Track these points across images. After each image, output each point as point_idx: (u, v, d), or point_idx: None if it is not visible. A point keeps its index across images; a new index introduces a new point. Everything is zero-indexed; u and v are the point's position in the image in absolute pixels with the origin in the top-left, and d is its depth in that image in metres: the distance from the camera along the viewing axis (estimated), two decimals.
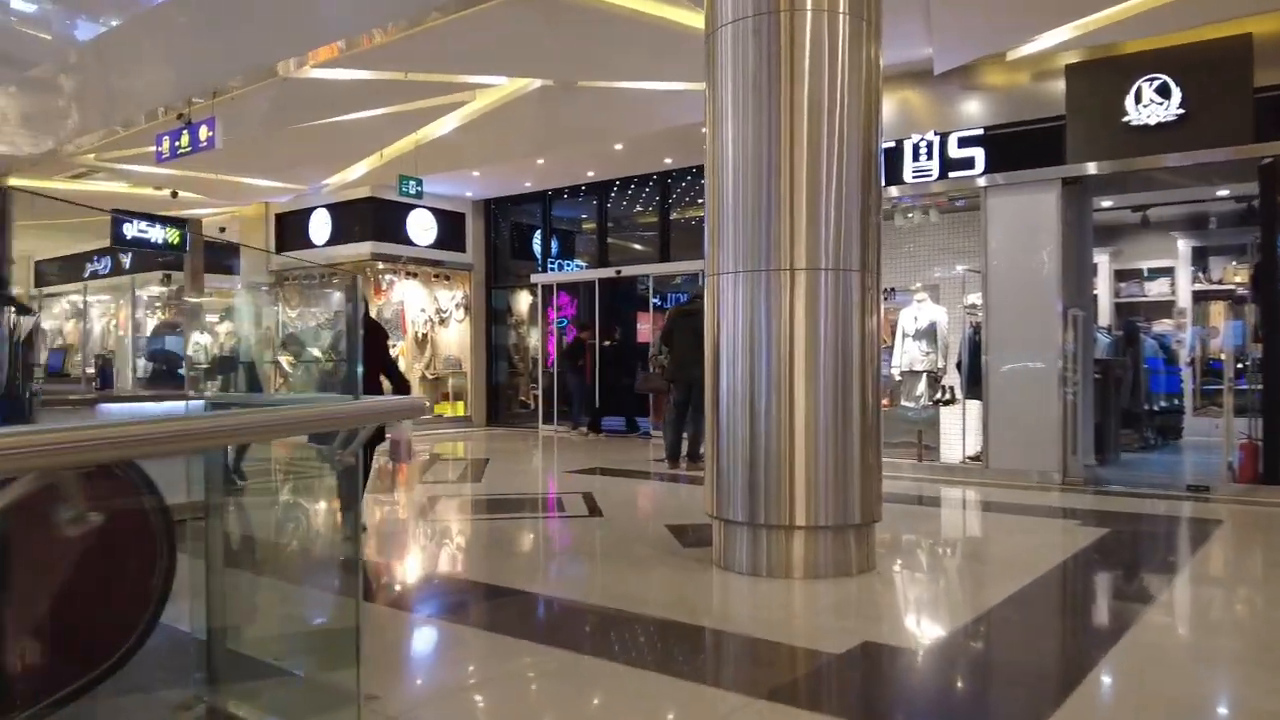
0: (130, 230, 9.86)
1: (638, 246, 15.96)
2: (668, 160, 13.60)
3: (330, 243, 16.27)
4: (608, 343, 14.84)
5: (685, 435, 10.08)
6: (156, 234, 10.16)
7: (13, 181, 14.15)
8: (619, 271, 14.86)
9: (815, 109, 5.03)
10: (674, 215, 14.56)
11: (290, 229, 17.16)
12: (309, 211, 16.62)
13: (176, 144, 10.18)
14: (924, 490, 8.57)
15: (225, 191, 15.84)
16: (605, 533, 6.83)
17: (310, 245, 16.58)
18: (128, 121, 10.80)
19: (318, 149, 12.68)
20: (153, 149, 10.36)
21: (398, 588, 5.32)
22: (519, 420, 16.71)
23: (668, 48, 8.32)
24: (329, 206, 16.26)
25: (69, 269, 22.00)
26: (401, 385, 6.66)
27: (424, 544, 6.50)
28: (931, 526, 7.27)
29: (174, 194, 16.06)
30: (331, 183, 15.11)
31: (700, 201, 12.38)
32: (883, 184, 5.49)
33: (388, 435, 6.48)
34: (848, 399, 5.06)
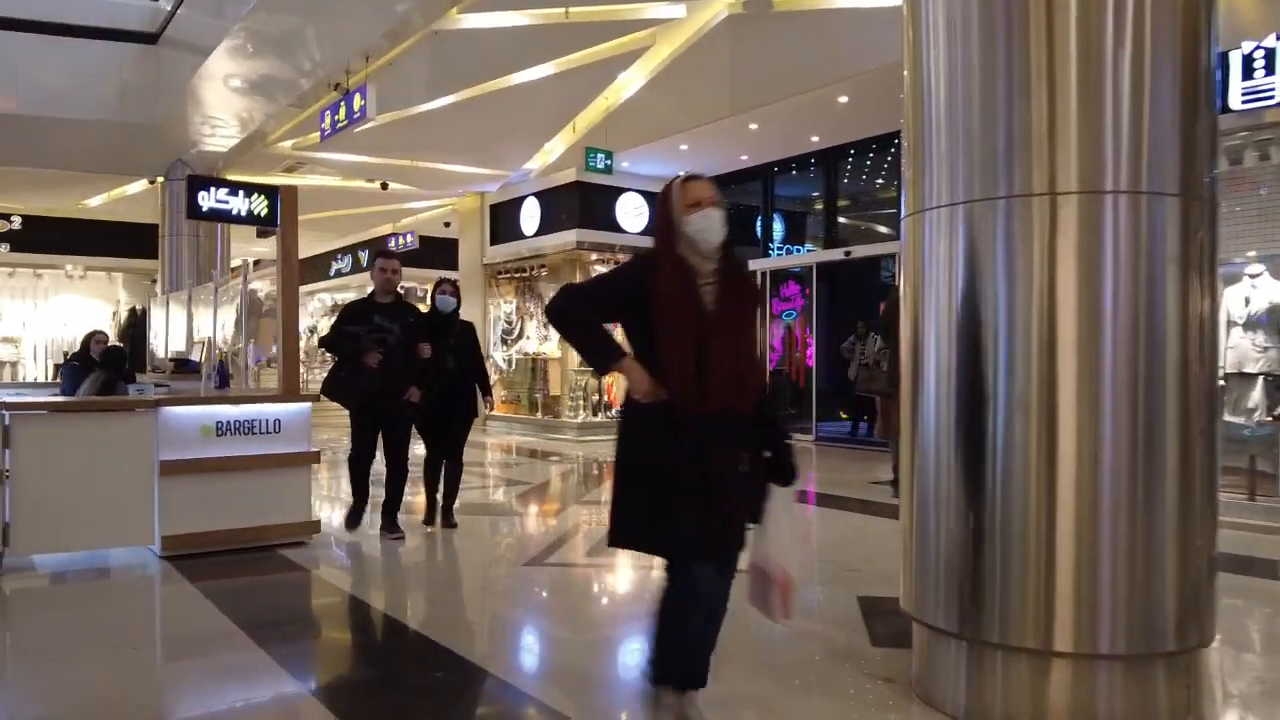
0: (206, 200, 8.82)
1: (882, 229, 13.66)
2: None
3: (539, 233, 15.24)
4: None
5: None
6: (239, 204, 9.04)
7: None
8: (848, 253, 12.69)
9: None
10: None
11: (503, 220, 16.35)
12: (519, 201, 15.70)
13: (336, 118, 9.30)
14: (1259, 545, 5.90)
15: (432, 180, 15.22)
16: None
17: (521, 236, 15.65)
18: (288, 101, 10.04)
19: (504, 123, 11.53)
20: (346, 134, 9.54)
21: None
22: None
23: None
24: (537, 195, 15.24)
25: (318, 267, 22.66)
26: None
27: (473, 602, 4.78)
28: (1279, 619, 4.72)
29: (384, 186, 15.66)
30: (535, 167, 14.09)
31: None
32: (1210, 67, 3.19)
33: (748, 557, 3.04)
34: (1155, 426, 2.84)
